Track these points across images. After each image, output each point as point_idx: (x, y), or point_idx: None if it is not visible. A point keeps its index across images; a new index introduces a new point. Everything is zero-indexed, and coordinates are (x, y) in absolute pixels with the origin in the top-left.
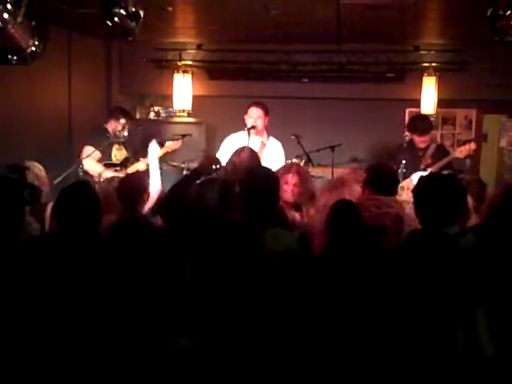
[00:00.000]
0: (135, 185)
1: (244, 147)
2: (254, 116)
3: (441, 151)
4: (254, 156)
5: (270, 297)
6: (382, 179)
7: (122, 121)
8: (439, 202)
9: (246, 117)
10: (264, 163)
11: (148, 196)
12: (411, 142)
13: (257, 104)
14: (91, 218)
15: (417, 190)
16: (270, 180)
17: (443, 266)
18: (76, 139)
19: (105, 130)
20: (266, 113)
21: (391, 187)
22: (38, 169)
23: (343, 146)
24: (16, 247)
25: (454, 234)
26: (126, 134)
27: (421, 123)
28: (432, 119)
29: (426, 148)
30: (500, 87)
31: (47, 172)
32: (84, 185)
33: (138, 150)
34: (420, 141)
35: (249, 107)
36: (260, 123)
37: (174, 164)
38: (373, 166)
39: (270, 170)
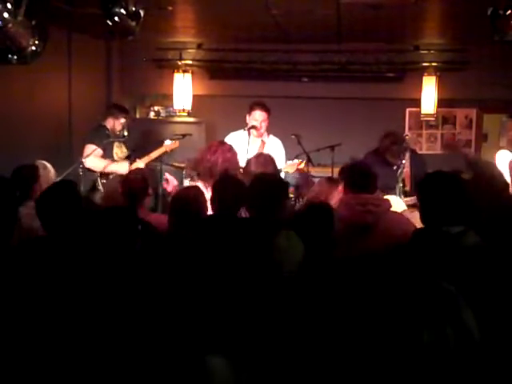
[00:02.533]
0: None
1: (262, 153)
2: (260, 119)
3: (415, 156)
4: (271, 162)
5: (278, 301)
6: (358, 178)
7: (121, 118)
8: (442, 200)
9: (248, 117)
10: None
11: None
12: (380, 154)
13: (261, 107)
14: (74, 218)
15: (421, 189)
16: (277, 185)
17: (446, 264)
18: (76, 139)
19: (104, 128)
20: (269, 114)
21: (369, 185)
22: (43, 166)
23: (343, 145)
24: (9, 247)
25: (456, 233)
26: (125, 133)
27: (406, 134)
28: (432, 119)
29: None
30: (500, 87)
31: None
32: (66, 185)
33: (136, 149)
34: (395, 159)
35: (252, 108)
36: (264, 126)
37: (173, 164)
38: (348, 166)
39: (279, 177)
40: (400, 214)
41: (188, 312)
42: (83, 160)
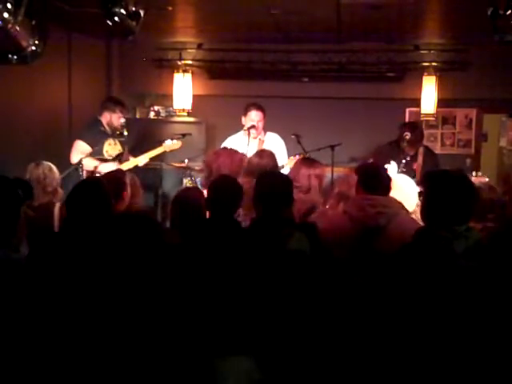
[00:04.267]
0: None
1: (264, 150)
2: (256, 119)
3: (429, 155)
4: (273, 159)
5: (285, 296)
6: (374, 179)
7: (118, 112)
8: (451, 201)
9: (244, 118)
10: None
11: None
12: (398, 143)
13: (256, 107)
14: (102, 214)
15: (427, 188)
16: (285, 182)
17: (454, 262)
18: (76, 139)
19: (98, 123)
20: (265, 113)
21: (384, 187)
22: (48, 168)
23: (343, 145)
24: (12, 245)
25: (461, 232)
26: (125, 133)
27: (406, 134)
28: (432, 119)
29: (415, 154)
30: (500, 86)
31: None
32: (96, 182)
33: (135, 146)
34: (409, 149)
35: (247, 109)
36: (261, 125)
37: (173, 164)
38: (364, 166)
39: (283, 173)
40: (410, 216)
41: (198, 313)
42: (71, 156)
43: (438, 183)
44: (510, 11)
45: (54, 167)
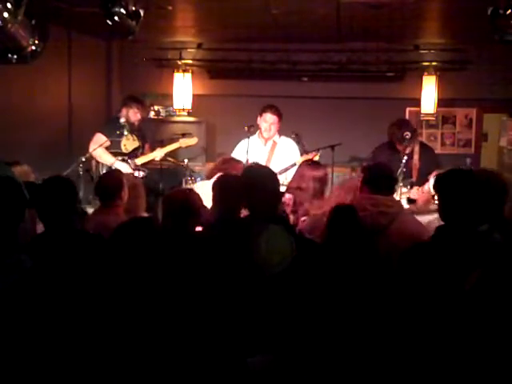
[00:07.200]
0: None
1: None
2: (269, 121)
3: (425, 151)
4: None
5: (266, 298)
6: (380, 179)
7: (135, 108)
8: (473, 200)
9: (259, 118)
10: (278, 161)
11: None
12: (392, 143)
13: (272, 110)
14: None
15: (447, 188)
16: (271, 178)
17: (475, 261)
18: (76, 139)
19: (117, 119)
20: (280, 118)
21: (389, 187)
22: (24, 171)
23: (343, 145)
24: (15, 247)
25: (483, 231)
26: (139, 120)
27: (406, 134)
28: (432, 118)
29: (411, 152)
30: (500, 86)
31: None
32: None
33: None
34: (403, 148)
35: (263, 110)
36: (274, 129)
37: (173, 162)
38: (370, 165)
39: (268, 168)
40: (412, 216)
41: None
42: (90, 149)
43: (451, 183)
44: (509, 11)
45: (29, 170)
